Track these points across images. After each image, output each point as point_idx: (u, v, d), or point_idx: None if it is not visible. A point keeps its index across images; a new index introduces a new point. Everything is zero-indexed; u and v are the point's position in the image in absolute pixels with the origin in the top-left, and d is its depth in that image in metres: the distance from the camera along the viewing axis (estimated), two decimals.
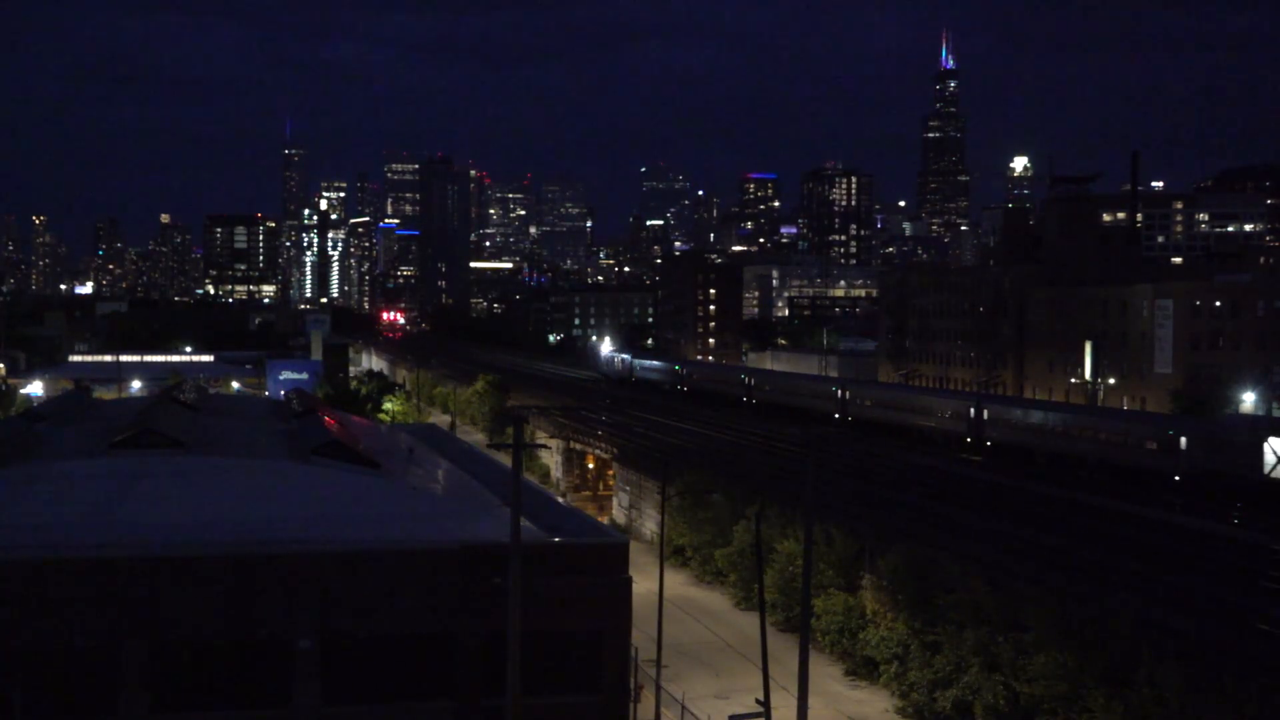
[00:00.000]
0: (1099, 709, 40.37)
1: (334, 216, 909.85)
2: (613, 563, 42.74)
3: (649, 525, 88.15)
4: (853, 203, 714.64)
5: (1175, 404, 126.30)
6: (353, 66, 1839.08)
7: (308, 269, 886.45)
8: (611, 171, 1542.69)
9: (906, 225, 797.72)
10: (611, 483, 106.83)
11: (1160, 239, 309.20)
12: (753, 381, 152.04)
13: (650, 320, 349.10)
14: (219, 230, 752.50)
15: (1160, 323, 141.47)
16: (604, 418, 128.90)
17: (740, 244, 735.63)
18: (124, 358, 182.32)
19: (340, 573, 39.85)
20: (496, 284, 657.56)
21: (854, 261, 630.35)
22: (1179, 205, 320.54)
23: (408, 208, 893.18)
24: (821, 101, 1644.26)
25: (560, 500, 64.27)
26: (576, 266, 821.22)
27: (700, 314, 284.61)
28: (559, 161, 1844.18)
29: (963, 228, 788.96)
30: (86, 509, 42.40)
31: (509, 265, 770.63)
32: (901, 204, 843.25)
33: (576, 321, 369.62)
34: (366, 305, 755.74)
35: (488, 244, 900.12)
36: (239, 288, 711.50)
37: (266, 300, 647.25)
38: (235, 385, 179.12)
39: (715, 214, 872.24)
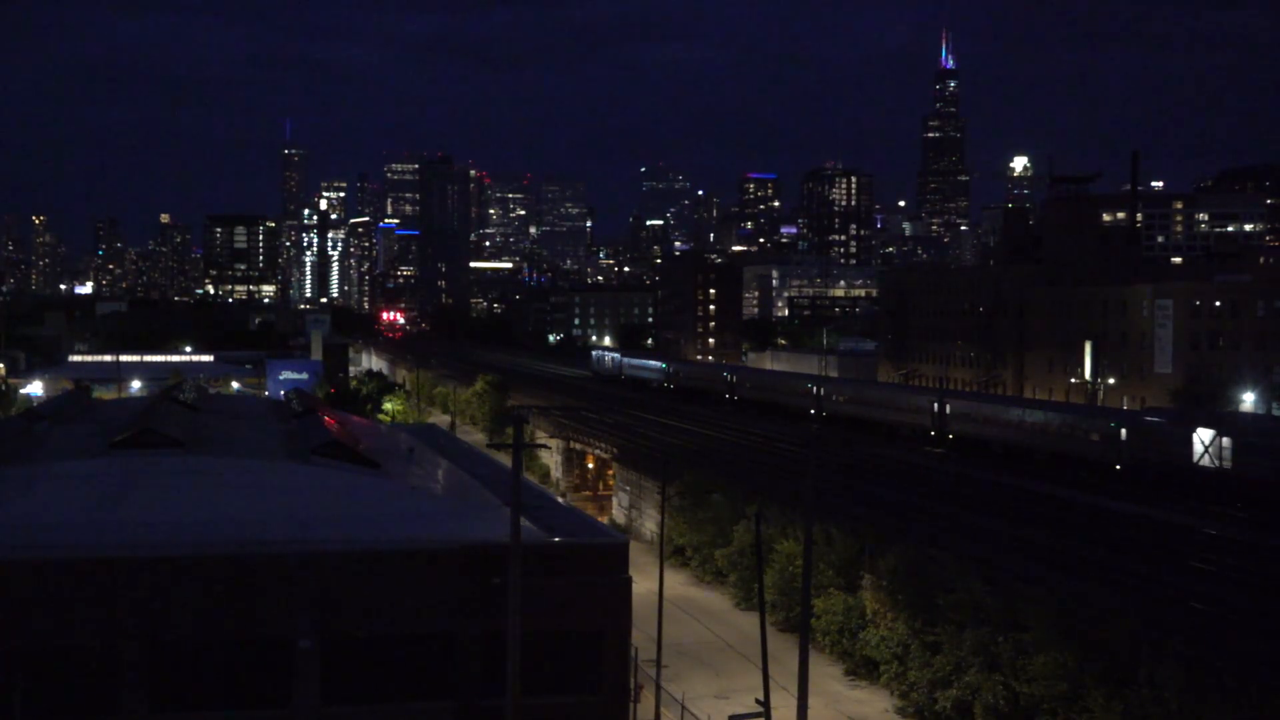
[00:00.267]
0: (1099, 709, 40.38)
1: (334, 216, 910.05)
2: (613, 563, 42.73)
3: (649, 525, 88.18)
4: (853, 203, 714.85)
5: (1174, 404, 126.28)
6: (353, 66, 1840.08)
7: (308, 269, 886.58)
8: (611, 171, 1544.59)
9: (906, 225, 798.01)
10: (611, 483, 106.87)
11: (1160, 239, 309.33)
12: (735, 379, 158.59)
13: (650, 320, 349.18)
14: (219, 230, 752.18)
15: (1160, 322, 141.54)
16: (598, 416, 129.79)
17: (740, 244, 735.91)
18: (124, 358, 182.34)
19: (340, 573, 39.84)
20: (496, 284, 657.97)
21: (854, 261, 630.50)
22: (1179, 205, 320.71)
23: (408, 208, 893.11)
24: (821, 102, 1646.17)
25: (560, 500, 64.23)
26: (576, 266, 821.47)
27: (700, 314, 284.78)
28: (559, 161, 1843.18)
29: (963, 228, 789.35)
30: (86, 509, 42.38)
31: (509, 265, 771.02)
32: (901, 204, 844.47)
33: (576, 321, 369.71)
34: (366, 305, 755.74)
35: (488, 244, 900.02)
36: (239, 288, 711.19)
37: (266, 300, 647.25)
38: (235, 385, 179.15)
39: (715, 214, 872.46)
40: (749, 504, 69.95)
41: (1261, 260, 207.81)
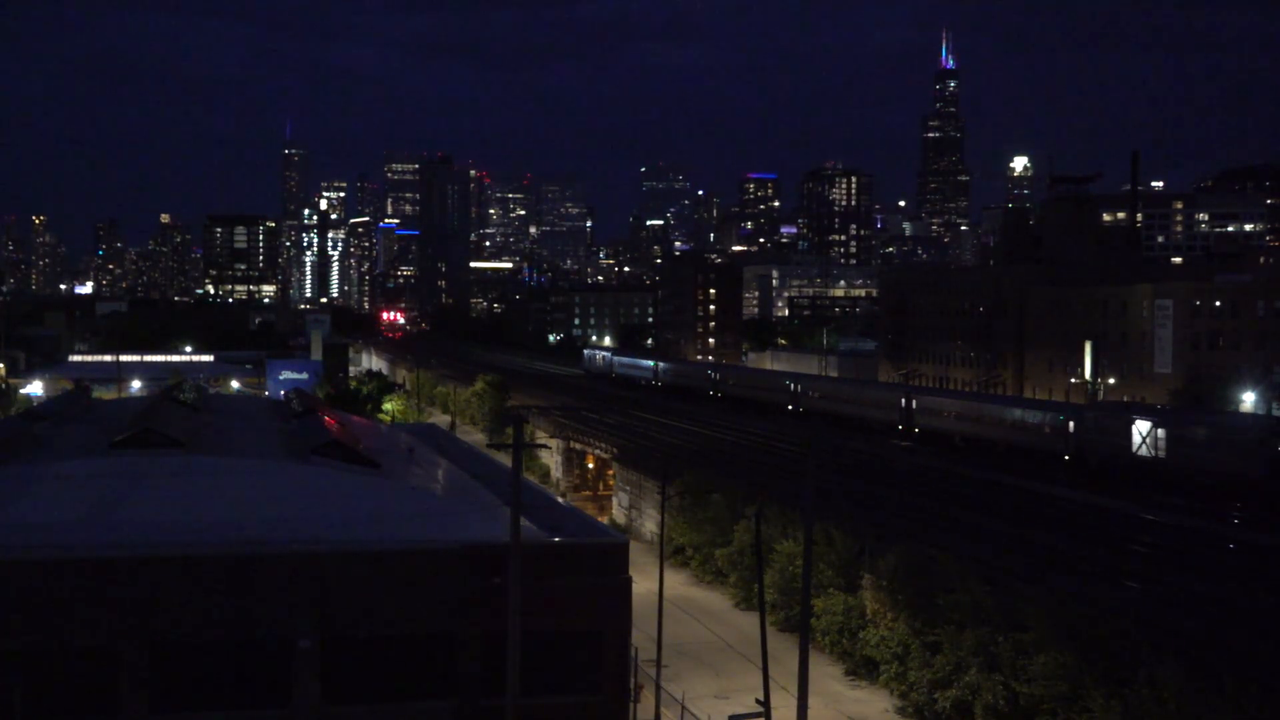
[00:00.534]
0: (1098, 709, 40.38)
1: (334, 216, 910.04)
2: (613, 563, 42.74)
3: (649, 525, 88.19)
4: (852, 202, 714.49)
5: (1174, 403, 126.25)
6: (353, 66, 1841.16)
7: (308, 269, 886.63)
8: (611, 171, 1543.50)
9: (906, 225, 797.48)
10: (611, 483, 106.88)
11: (1160, 239, 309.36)
12: (718, 377, 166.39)
13: (650, 320, 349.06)
14: (219, 230, 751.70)
15: (1160, 323, 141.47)
16: (598, 416, 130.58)
17: (740, 244, 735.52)
18: (124, 358, 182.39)
19: (340, 573, 39.85)
20: (496, 284, 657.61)
21: (854, 261, 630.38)
22: (1179, 205, 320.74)
23: (408, 208, 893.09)
24: (821, 101, 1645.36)
25: (560, 500, 64.22)
26: (576, 266, 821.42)
27: (700, 314, 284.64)
28: (559, 161, 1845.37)
29: (963, 228, 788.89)
30: (86, 509, 42.39)
31: (509, 265, 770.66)
32: (901, 204, 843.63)
33: (576, 321, 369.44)
34: (366, 305, 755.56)
35: (488, 244, 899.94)
36: (239, 288, 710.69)
37: (266, 300, 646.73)
38: (235, 385, 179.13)
39: (715, 214, 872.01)
40: (749, 504, 69.93)
41: (1261, 260, 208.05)
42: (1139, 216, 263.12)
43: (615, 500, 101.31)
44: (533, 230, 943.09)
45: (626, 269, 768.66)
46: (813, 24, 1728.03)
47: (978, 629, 47.78)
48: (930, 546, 57.32)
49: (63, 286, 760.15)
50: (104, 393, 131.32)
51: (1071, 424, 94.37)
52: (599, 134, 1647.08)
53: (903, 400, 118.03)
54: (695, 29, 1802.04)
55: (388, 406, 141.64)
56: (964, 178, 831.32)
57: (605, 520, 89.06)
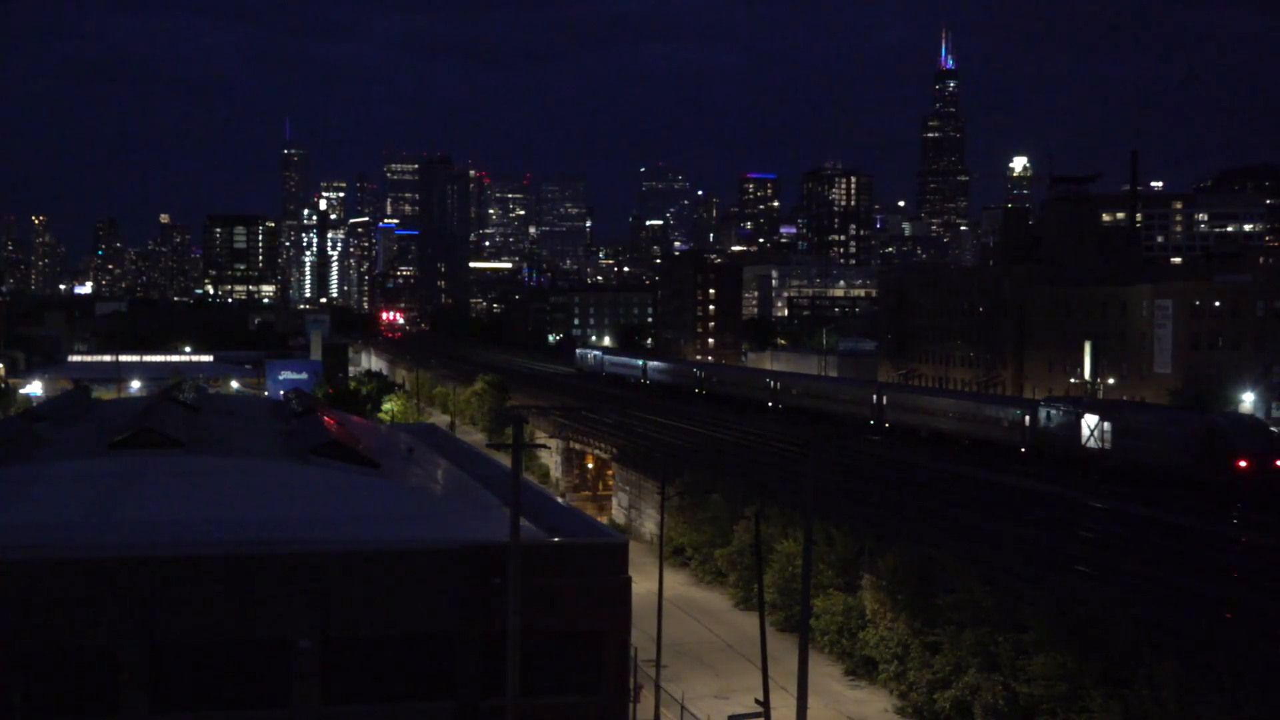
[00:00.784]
0: (1098, 709, 40.38)
1: (334, 216, 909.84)
2: (612, 563, 42.69)
3: (649, 525, 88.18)
4: (852, 203, 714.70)
5: (1173, 403, 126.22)
6: (353, 66, 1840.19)
7: (307, 269, 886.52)
8: (611, 171, 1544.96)
9: (906, 225, 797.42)
10: (611, 483, 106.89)
11: (1160, 239, 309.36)
12: (702, 375, 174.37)
13: (650, 320, 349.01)
14: (218, 230, 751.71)
15: (1160, 323, 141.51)
16: (597, 416, 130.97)
17: (740, 244, 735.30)
18: (124, 358, 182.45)
19: (340, 573, 39.81)
20: (496, 284, 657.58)
21: (854, 261, 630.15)
22: (1179, 205, 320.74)
23: (407, 208, 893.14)
24: (821, 101, 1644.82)
25: (560, 500, 64.21)
26: (576, 266, 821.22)
27: (700, 314, 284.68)
28: (559, 161, 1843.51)
29: (963, 228, 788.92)
30: (86, 509, 42.36)
31: (509, 265, 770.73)
32: (901, 204, 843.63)
33: (576, 321, 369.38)
34: (366, 305, 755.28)
35: (487, 244, 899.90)
36: (238, 288, 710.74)
37: (266, 300, 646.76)
38: (235, 385, 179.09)
39: (715, 214, 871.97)
40: (749, 504, 69.95)
41: (1261, 260, 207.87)
42: (1138, 217, 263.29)
43: (615, 500, 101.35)
44: (532, 230, 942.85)
45: (626, 269, 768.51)
46: (813, 24, 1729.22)
47: (977, 629, 47.79)
48: (920, 545, 57.60)
49: (62, 286, 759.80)
50: (103, 393, 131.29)
51: (1027, 419, 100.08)
52: (599, 134, 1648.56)
53: (874, 397, 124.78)
54: (695, 29, 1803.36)
55: (387, 406, 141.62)
56: (964, 178, 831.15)
57: (605, 520, 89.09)
